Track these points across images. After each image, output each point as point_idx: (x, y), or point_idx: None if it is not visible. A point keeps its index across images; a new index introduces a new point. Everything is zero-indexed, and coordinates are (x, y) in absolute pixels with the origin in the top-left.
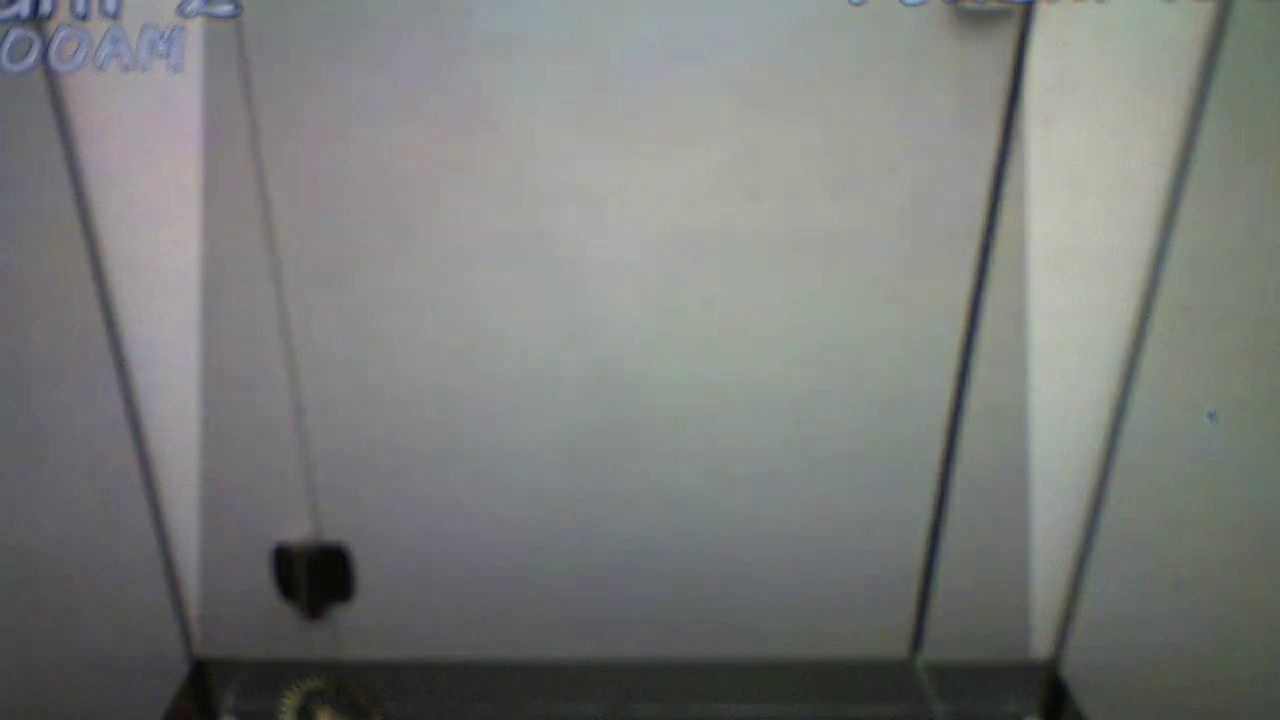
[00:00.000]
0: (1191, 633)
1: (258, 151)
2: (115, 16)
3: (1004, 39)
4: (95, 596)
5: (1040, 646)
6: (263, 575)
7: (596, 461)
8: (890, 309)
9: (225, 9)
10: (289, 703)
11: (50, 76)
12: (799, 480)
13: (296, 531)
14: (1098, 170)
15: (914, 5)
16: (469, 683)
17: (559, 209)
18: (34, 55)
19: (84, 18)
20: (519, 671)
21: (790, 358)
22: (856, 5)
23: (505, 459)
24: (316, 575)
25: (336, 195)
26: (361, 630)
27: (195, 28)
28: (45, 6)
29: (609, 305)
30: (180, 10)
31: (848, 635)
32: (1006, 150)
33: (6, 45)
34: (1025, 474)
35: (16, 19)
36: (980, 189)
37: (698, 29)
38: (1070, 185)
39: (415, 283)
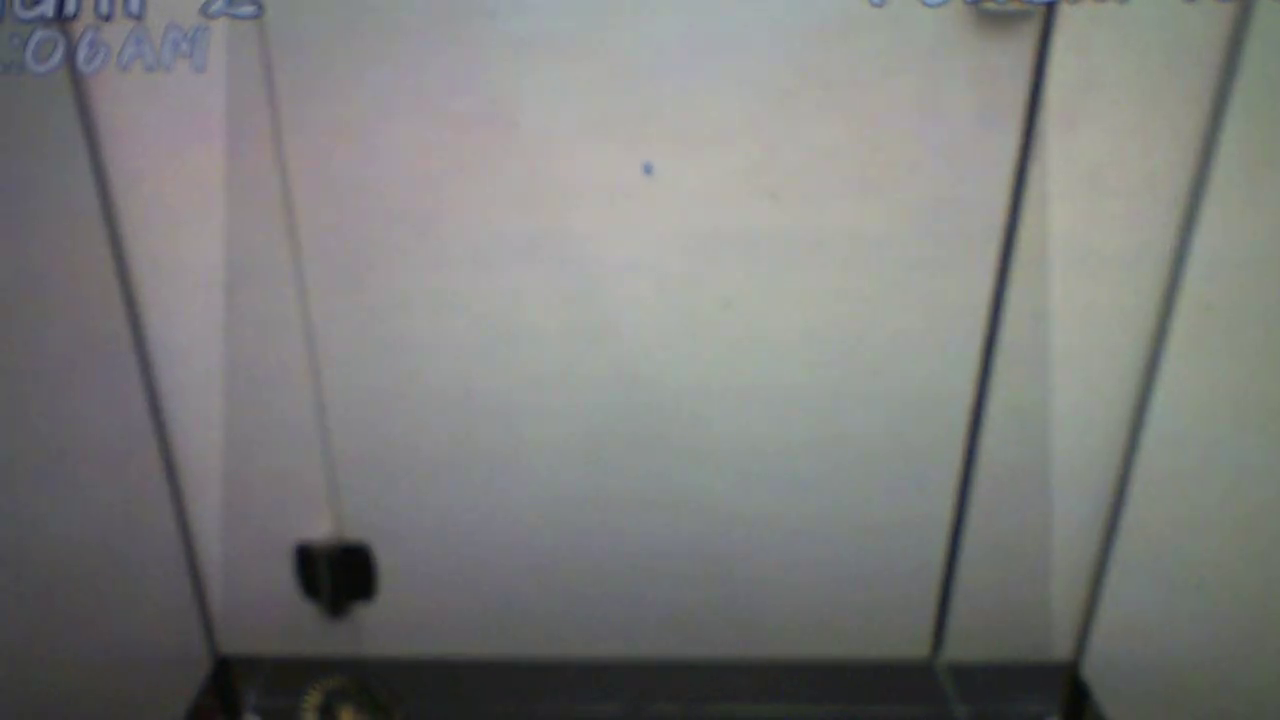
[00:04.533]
0: (1213, 634)
1: (280, 151)
2: (139, 17)
3: (1025, 40)
4: (119, 595)
5: (1061, 647)
6: (285, 574)
7: (616, 461)
8: (911, 309)
9: (248, 9)
10: (311, 700)
11: (75, 77)
12: (819, 480)
13: (318, 530)
14: (1119, 170)
15: (935, 6)
16: (489, 681)
17: (579, 209)
18: (59, 55)
19: (108, 18)
20: (539, 670)
21: (810, 358)
22: (877, 6)
23: (526, 458)
24: (338, 574)
25: (358, 195)
26: (383, 628)
27: (218, 28)
28: (70, 7)
29: (628, 305)
30: (203, 10)
31: (868, 635)
32: (1028, 151)
33: (32, 45)
34: (1046, 475)
35: (41, 19)
36: (1001, 189)
37: (718, 30)
38: (1091, 185)
39: (436, 283)
